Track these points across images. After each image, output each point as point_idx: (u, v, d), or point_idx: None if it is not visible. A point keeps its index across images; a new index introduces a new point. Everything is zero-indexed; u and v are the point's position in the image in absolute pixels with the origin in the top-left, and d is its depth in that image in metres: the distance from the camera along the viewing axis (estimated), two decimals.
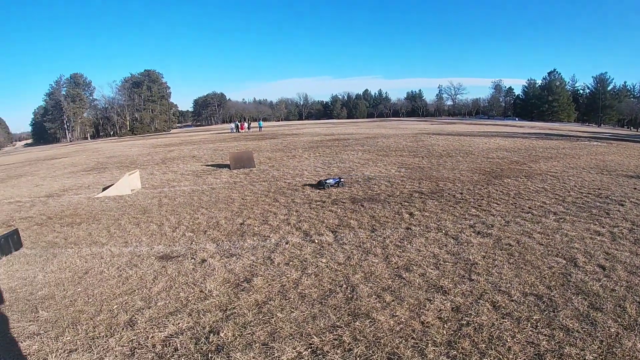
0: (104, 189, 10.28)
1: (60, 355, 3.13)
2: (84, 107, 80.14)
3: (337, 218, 5.79)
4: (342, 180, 8.82)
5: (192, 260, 4.63)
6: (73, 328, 3.46)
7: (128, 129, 77.99)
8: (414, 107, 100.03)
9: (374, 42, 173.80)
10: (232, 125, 44.26)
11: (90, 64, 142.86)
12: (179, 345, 2.99)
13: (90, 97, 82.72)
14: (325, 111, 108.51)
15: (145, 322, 3.36)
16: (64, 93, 78.48)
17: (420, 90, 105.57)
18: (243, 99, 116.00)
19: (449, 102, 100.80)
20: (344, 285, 3.58)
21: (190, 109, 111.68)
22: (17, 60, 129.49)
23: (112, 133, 79.73)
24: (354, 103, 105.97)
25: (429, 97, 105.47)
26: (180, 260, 4.71)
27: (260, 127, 43.45)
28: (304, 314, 3.16)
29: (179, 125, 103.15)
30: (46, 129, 79.11)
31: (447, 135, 21.80)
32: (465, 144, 16.17)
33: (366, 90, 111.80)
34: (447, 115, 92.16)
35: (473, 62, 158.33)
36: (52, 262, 5.34)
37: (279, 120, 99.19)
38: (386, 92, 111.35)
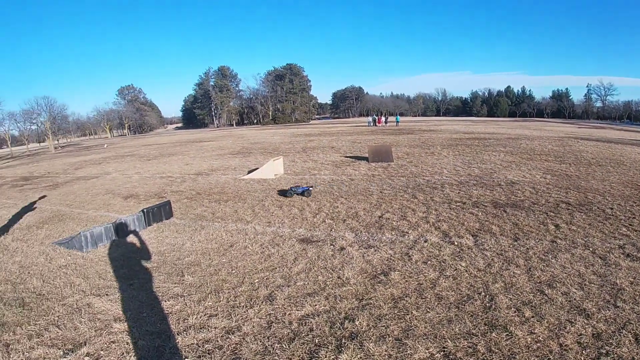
0: (249, 172, 12.80)
1: (200, 318, 3.85)
2: (230, 97, 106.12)
3: (478, 221, 6.30)
4: (310, 188, 9.54)
5: (332, 246, 5.46)
6: (215, 295, 4.33)
7: (270, 118, 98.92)
8: (560, 107, 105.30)
9: (517, 34, 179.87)
10: (370, 118, 52.11)
11: (236, 57, 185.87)
12: (314, 325, 3.49)
13: (236, 88, 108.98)
14: (464, 108, 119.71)
15: (284, 299, 4.03)
16: (212, 83, 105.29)
17: (567, 89, 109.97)
18: (380, 93, 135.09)
19: (598, 104, 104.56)
20: (483, 293, 3.90)
21: (329, 102, 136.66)
22: (169, 53, 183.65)
23: (255, 121, 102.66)
24: (495, 100, 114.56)
25: (576, 96, 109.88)
26: (320, 245, 5.60)
27: (398, 122, 50.05)
28: (439, 316, 3.49)
29: (318, 116, 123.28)
30: (195, 115, 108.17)
31: (595, 141, 21.93)
32: (617, 153, 16.28)
33: (508, 87, 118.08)
34: (596, 118, 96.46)
35: (627, 58, 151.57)
36: (199, 233, 6.76)
37: (415, 116, 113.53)
38: (530, 90, 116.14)
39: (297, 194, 9.48)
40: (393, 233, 5.89)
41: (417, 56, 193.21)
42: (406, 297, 3.88)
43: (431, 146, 18.50)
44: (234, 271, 4.95)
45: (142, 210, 7.72)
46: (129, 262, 5.75)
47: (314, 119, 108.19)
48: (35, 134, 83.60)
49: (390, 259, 4.86)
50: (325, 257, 5.09)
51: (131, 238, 6.96)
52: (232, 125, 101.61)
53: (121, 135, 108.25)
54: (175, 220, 7.90)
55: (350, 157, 15.55)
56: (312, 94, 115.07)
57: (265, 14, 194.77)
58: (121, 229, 7.09)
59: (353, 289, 4.09)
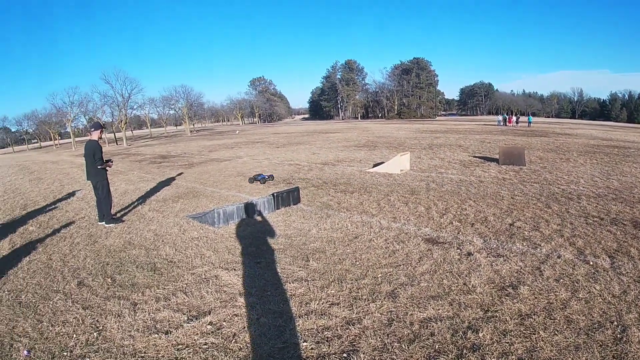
0: (374, 165, 14.06)
1: (322, 304, 4.24)
2: (356, 90, 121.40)
3: (616, 241, 6.23)
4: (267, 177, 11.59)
5: (458, 250, 5.64)
6: (338, 284, 4.72)
7: (395, 112, 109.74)
8: None
9: None
10: (499, 117, 56.60)
11: (363, 51, 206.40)
12: (436, 330, 3.66)
13: (362, 82, 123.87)
14: (602, 111, 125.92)
15: (407, 298, 4.25)
16: (339, 77, 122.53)
17: None
18: (511, 91, 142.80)
19: None
20: (615, 323, 3.88)
21: (456, 98, 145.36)
22: (299, 46, 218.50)
23: (380, 115, 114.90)
24: (636, 104, 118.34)
25: None
26: (446, 247, 5.80)
27: (530, 123, 53.28)
28: (567, 341, 3.55)
29: (444, 113, 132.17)
30: (322, 107, 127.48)
31: None
32: None
33: None
34: None
35: None
36: (325, 221, 7.51)
37: (548, 117, 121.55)
38: None
39: (257, 181, 11.35)
40: (524, 244, 5.96)
41: (552, 51, 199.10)
42: (534, 315, 3.94)
43: (566, 152, 19.00)
44: (357, 263, 5.35)
45: (272, 194, 8.54)
46: (257, 241, 6.55)
47: (440, 115, 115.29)
48: (173, 118, 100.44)
49: (520, 271, 4.95)
50: (452, 260, 5.30)
51: (260, 219, 7.93)
52: (357, 118, 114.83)
53: (251, 123, 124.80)
54: (302, 206, 8.76)
55: (478, 157, 15.95)
56: (438, 89, 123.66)
57: (392, 7, 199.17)
58: (251, 210, 8.11)
59: (478, 299, 4.24)
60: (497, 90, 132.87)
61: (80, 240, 7.20)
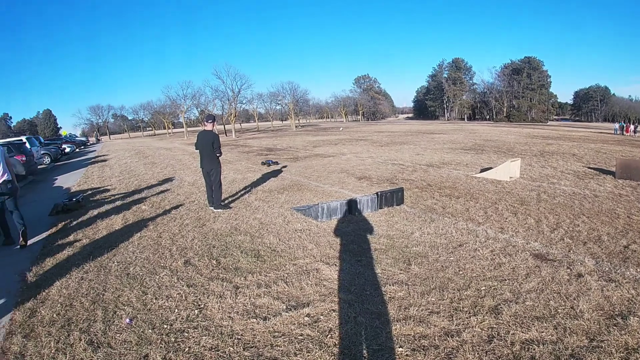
0: (482, 170, 13.57)
1: (421, 311, 4.08)
2: (464, 90, 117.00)
3: None
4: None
5: (568, 270, 5.27)
6: (439, 292, 4.53)
7: (504, 115, 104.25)
8: None
9: None
10: (616, 125, 53.46)
11: (471, 49, 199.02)
12: (537, 354, 3.42)
13: (470, 81, 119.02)
14: None
15: (509, 316, 4.03)
16: (446, 76, 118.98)
17: None
18: (629, 96, 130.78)
19: None
20: None
21: (570, 101, 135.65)
22: (404, 44, 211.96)
23: (487, 117, 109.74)
24: None
25: None
26: (555, 265, 5.42)
27: None
28: None
29: (556, 117, 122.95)
30: (427, 106, 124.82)
31: None
32: None
33: None
34: None
35: None
36: (429, 225, 7.32)
37: None
38: None
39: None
40: (639, 270, 5.31)
41: None
42: None
43: None
44: (461, 272, 5.13)
45: (377, 193, 8.50)
46: (358, 239, 6.56)
47: (552, 120, 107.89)
48: (279, 113, 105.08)
49: (632, 300, 4.47)
50: (560, 280, 4.89)
51: (363, 217, 7.93)
52: (463, 119, 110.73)
53: (355, 120, 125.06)
54: (406, 207, 8.61)
55: (593, 168, 14.66)
56: (551, 92, 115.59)
57: (501, 3, 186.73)
58: (355, 207, 8.18)
59: (585, 325, 3.88)
60: (614, 94, 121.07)
61: (190, 222, 7.76)
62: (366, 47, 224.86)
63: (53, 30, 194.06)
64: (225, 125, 70.22)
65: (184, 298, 4.49)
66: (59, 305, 4.54)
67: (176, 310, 4.20)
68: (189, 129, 73.30)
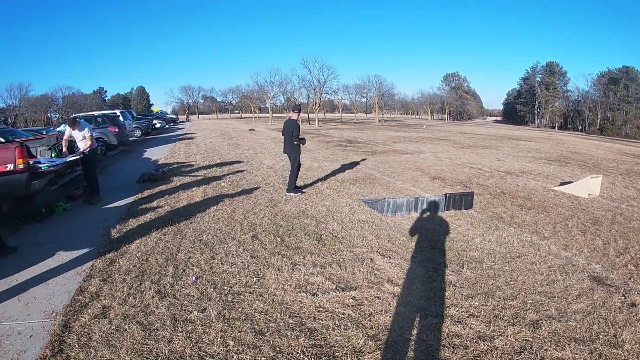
0: (561, 184, 12.94)
1: (461, 312, 4.25)
2: (556, 97, 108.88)
3: None
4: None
5: (622, 297, 5.09)
6: (484, 298, 4.62)
7: (597, 127, 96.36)
8: None
9: None
10: None
11: (566, 53, 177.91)
12: None
13: (564, 88, 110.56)
14: None
15: (548, 332, 4.02)
16: (539, 80, 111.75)
17: None
18: None
19: None
20: None
21: None
22: (497, 43, 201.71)
23: (580, 128, 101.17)
24: None
25: None
26: (611, 291, 5.23)
27: None
28: None
29: None
30: (516, 111, 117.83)
31: None
32: None
33: None
34: None
35: None
36: (492, 233, 7.30)
37: None
38: None
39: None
40: None
41: None
42: None
43: None
44: (511, 282, 5.14)
45: (445, 194, 8.58)
46: (418, 236, 6.74)
47: None
48: (364, 105, 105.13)
49: None
50: (611, 307, 4.69)
51: (427, 216, 8.05)
52: (554, 127, 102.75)
53: (440, 119, 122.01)
54: (473, 212, 8.57)
55: None
56: None
57: (601, 5, 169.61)
58: (421, 206, 8.32)
59: (622, 356, 3.72)
60: None
61: (263, 202, 8.42)
62: (458, 44, 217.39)
63: (151, 12, 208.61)
64: (310, 114, 71.63)
65: (246, 267, 5.04)
66: (136, 259, 5.30)
67: (237, 276, 4.76)
68: (274, 114, 75.72)
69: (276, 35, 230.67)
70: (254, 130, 38.90)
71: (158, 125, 41.16)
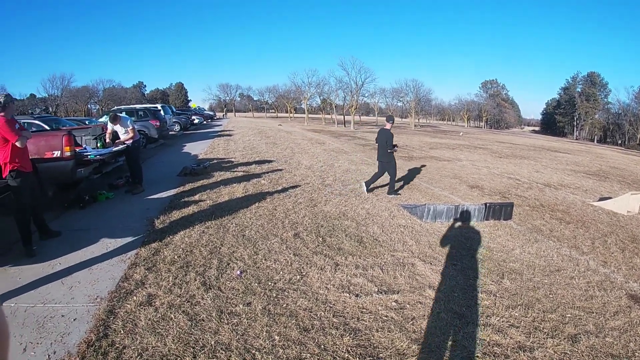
0: (600, 199, 12.79)
1: (502, 322, 4.24)
2: (597, 108, 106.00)
3: None
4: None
5: None
6: (524, 309, 4.61)
7: (638, 142, 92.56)
8: None
9: None
10: None
11: (609, 64, 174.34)
12: None
13: (605, 99, 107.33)
14: None
15: (586, 347, 4.04)
16: (579, 90, 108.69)
17: None
18: None
19: None
20: None
21: None
22: (538, 51, 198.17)
23: (619, 142, 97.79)
24: None
25: None
26: None
27: None
28: None
29: None
30: (555, 121, 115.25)
31: None
32: None
33: None
34: None
35: None
36: (531, 245, 7.22)
37: None
38: None
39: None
40: None
41: None
42: None
43: None
44: (551, 296, 5.12)
45: (485, 204, 8.48)
46: (458, 244, 6.72)
47: None
48: (400, 110, 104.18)
49: None
50: None
51: (467, 224, 8.03)
52: (593, 140, 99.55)
53: (476, 126, 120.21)
54: (512, 224, 8.48)
55: None
56: None
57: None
58: (461, 214, 8.27)
59: None
60: None
61: (303, 201, 8.52)
62: (497, 50, 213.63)
63: (191, 9, 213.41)
64: (345, 116, 71.69)
65: (289, 264, 5.14)
66: (180, 250, 5.47)
67: (281, 273, 4.85)
68: (310, 115, 76.17)
69: (314, 36, 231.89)
70: (281, 125, 39.44)
71: (196, 121, 41.99)
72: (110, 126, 9.57)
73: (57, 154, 7.65)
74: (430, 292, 4.68)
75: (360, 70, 69.29)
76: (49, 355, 3.31)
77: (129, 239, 5.93)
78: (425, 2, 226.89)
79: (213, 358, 3.24)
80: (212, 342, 3.43)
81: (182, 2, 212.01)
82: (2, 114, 5.18)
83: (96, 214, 7.37)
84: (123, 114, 9.87)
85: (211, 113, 69.39)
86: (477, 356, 3.56)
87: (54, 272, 4.85)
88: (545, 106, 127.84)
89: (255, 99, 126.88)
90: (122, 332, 3.55)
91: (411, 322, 3.97)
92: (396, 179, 10.43)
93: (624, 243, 8.01)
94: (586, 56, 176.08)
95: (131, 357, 3.22)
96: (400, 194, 10.11)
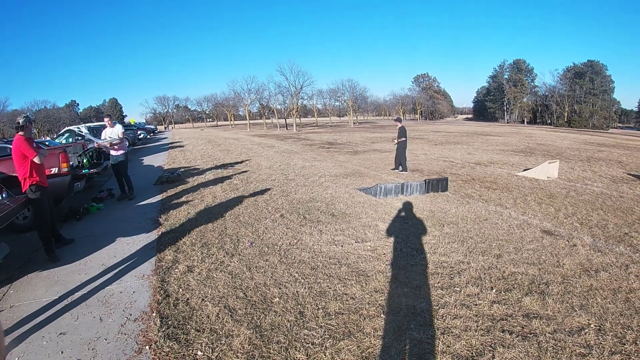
0: (524, 170, 14.91)
1: (445, 250, 6.03)
2: (524, 93, 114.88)
3: None
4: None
5: (566, 242, 6.64)
6: (460, 243, 6.39)
7: (565, 120, 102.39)
8: None
9: None
10: None
11: (533, 50, 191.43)
12: (519, 279, 5.04)
13: (531, 84, 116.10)
14: None
15: (507, 259, 5.70)
16: (507, 77, 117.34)
17: None
18: None
19: None
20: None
21: (635, 109, 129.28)
22: (465, 43, 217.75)
23: (549, 122, 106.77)
24: None
25: None
26: (557, 238, 6.85)
27: None
28: (612, 310, 4.29)
29: (620, 125, 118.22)
30: (486, 108, 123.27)
31: None
32: None
33: None
34: None
35: None
36: (464, 206, 9.09)
37: None
38: None
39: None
40: (628, 248, 6.49)
41: None
42: (600, 289, 4.82)
43: None
44: (480, 234, 6.81)
45: (425, 180, 10.34)
46: (407, 210, 8.50)
47: (615, 127, 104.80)
48: (337, 109, 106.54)
49: (609, 264, 5.68)
50: (556, 246, 6.33)
51: (412, 198, 9.85)
52: (523, 122, 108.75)
53: (412, 119, 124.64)
54: (448, 194, 10.36)
55: (634, 175, 15.10)
56: (614, 98, 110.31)
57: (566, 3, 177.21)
58: (406, 189, 10.15)
59: (562, 271, 5.32)
60: None
61: (276, 193, 10.12)
62: (426, 45, 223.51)
63: (122, 21, 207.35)
64: (287, 120, 73.10)
65: (285, 234, 6.73)
66: (194, 235, 6.87)
67: (281, 240, 6.46)
68: (251, 121, 76.92)
69: (251, 43, 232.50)
70: (203, 130, 39.94)
71: (141, 135, 42.05)
72: (106, 132, 10.60)
73: (54, 170, 8.35)
74: (392, 239, 6.40)
75: (298, 74, 71.63)
76: (127, 317, 4.26)
77: (144, 235, 7.14)
78: (353, 2, 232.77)
79: (257, 291, 4.74)
80: (253, 284, 4.91)
81: (113, 13, 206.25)
82: (22, 133, 6.00)
83: (97, 223, 8.25)
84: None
85: (152, 127, 68.65)
86: (431, 270, 5.23)
87: (89, 267, 5.77)
88: (475, 94, 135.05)
89: (192, 108, 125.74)
90: (180, 291, 4.83)
91: (383, 255, 5.68)
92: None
93: (541, 199, 9.89)
94: (512, 44, 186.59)
95: (196, 302, 4.55)
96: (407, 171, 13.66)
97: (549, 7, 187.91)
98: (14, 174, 7.23)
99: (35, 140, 7.67)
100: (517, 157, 19.12)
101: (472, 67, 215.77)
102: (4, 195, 7.10)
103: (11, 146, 9.60)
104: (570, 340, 3.65)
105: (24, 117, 6.13)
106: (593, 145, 28.96)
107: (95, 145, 11.04)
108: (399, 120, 14.60)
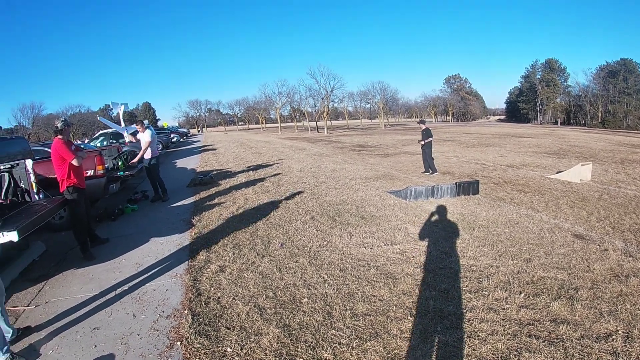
0: (556, 172, 14.50)
1: (475, 253, 5.99)
2: (557, 93, 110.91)
3: None
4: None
5: (598, 246, 6.47)
6: (490, 246, 6.30)
7: (599, 120, 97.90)
8: None
9: None
10: None
11: (566, 50, 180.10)
12: (545, 284, 4.97)
13: (564, 83, 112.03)
14: None
15: (537, 264, 5.59)
16: (539, 77, 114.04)
17: None
18: None
19: None
20: None
21: None
22: (497, 43, 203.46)
23: (582, 122, 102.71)
24: None
25: None
26: (588, 242, 6.69)
27: None
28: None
29: None
30: (519, 109, 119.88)
31: None
32: None
33: None
34: None
35: None
36: (495, 209, 8.97)
37: None
38: None
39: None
40: None
41: None
42: (631, 295, 4.71)
43: None
44: (510, 238, 6.71)
45: (456, 183, 10.25)
46: (438, 213, 8.46)
47: None
48: (368, 111, 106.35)
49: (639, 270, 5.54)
50: (587, 251, 6.18)
51: (442, 200, 9.77)
52: (557, 123, 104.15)
53: (444, 121, 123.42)
54: (479, 197, 10.21)
55: None
56: None
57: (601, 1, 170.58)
58: (437, 192, 10.07)
59: (592, 276, 5.20)
60: None
61: (307, 195, 10.23)
62: (458, 46, 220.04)
63: (154, 26, 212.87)
64: (317, 122, 73.44)
65: (315, 236, 6.81)
66: (226, 236, 7.05)
67: (311, 241, 6.54)
68: (282, 124, 77.68)
69: (281, 47, 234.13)
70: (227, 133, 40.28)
71: (175, 139, 43.05)
72: (137, 136, 10.99)
73: (90, 172, 8.66)
74: (422, 242, 6.39)
75: (328, 77, 71.72)
76: (159, 314, 4.44)
77: (177, 235, 7.37)
78: (384, 4, 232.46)
79: (287, 291, 4.84)
80: (282, 284, 5.01)
81: (148, 18, 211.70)
82: (60, 136, 6.22)
83: (131, 223, 8.58)
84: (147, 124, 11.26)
85: (185, 130, 70.07)
86: (461, 273, 5.22)
87: (123, 265, 6.02)
88: (508, 95, 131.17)
89: (224, 112, 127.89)
90: (212, 289, 5.00)
91: (412, 258, 5.69)
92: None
93: (573, 202, 9.65)
94: (544, 44, 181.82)
95: (227, 301, 4.69)
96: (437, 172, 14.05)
97: (579, 4, 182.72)
98: (50, 176, 7.53)
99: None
100: (550, 159, 18.69)
101: (504, 67, 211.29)
102: (41, 195, 7.40)
103: (48, 149, 9.97)
104: (597, 347, 3.60)
105: (63, 120, 6.31)
106: (627, 147, 27.88)
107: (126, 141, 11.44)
108: (422, 122, 15.39)
